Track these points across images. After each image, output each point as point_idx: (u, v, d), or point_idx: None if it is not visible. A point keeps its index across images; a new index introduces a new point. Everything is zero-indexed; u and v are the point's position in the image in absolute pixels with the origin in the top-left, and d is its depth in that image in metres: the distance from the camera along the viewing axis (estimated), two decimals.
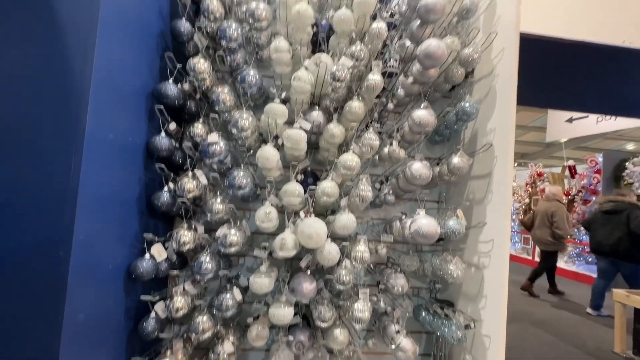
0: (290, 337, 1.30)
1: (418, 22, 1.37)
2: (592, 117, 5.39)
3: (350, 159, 1.27)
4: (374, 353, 1.61)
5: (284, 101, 1.42)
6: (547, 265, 5.51)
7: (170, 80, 1.36)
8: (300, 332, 1.35)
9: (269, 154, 1.24)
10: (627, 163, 6.20)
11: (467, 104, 1.36)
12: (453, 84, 1.55)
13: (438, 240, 1.57)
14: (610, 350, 3.40)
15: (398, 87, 1.47)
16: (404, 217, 1.45)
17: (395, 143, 1.39)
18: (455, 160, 1.37)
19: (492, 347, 1.26)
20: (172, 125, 1.40)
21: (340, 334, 1.31)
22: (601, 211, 4.28)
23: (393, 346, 1.32)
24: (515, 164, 13.68)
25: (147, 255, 1.26)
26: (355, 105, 1.31)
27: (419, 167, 1.31)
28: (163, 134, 1.35)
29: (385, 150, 1.45)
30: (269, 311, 1.25)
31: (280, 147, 1.33)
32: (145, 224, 1.36)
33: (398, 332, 1.35)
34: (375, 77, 1.29)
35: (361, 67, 1.34)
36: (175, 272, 1.41)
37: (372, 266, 1.69)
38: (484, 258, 1.37)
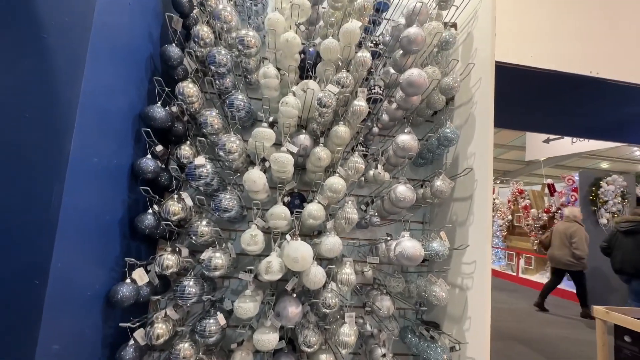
0: None
1: (401, 52, 1.44)
2: (567, 138, 5.67)
3: (336, 182, 1.29)
4: None
5: (272, 124, 1.44)
6: (580, 286, 5.53)
7: (159, 103, 1.37)
8: (285, 357, 1.32)
9: (255, 177, 1.25)
10: (601, 182, 6.48)
11: (448, 130, 1.43)
12: (435, 110, 1.63)
13: (423, 261, 1.60)
14: None
15: (382, 112, 1.52)
16: (389, 238, 1.47)
17: (380, 166, 1.43)
18: (438, 183, 1.41)
19: None
20: (159, 148, 1.40)
21: (325, 358, 1.29)
22: (620, 231, 4.32)
23: None
24: (498, 182, 14.12)
25: (127, 280, 1.22)
26: (341, 130, 1.35)
27: (403, 190, 1.34)
28: (149, 155, 1.35)
29: (371, 173, 1.48)
30: (253, 336, 1.22)
31: (267, 170, 1.35)
32: (127, 247, 1.33)
33: (384, 355, 1.34)
34: (360, 103, 1.34)
35: (347, 93, 1.39)
36: (156, 297, 1.37)
37: (358, 287, 1.69)
38: (467, 279, 1.39)
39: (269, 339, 1.21)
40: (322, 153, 1.34)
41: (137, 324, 1.27)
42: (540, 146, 6.36)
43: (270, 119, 1.36)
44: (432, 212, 1.77)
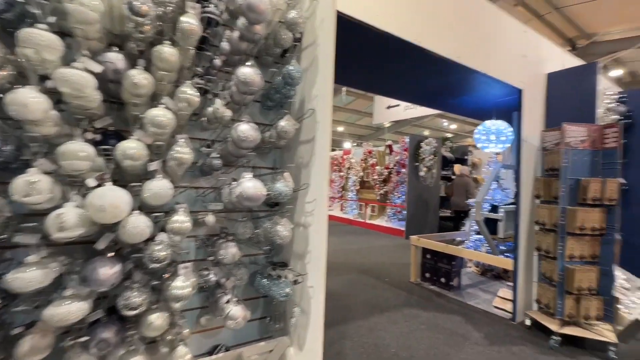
0: (86, 338, 1.04)
1: None
2: (402, 106, 6.90)
3: (160, 114, 1.07)
4: (208, 330, 1.52)
5: (63, 33, 1.04)
6: (461, 219, 7.03)
7: None
8: (102, 328, 1.10)
9: (26, 99, 0.88)
10: (422, 143, 8.28)
11: (292, 67, 1.38)
12: (283, 48, 1.55)
13: (274, 205, 1.59)
14: (408, 281, 4.57)
15: (224, 40, 1.33)
16: (233, 182, 1.37)
17: (219, 102, 1.28)
18: (282, 123, 1.38)
19: (316, 296, 1.39)
20: None
21: (156, 318, 1.14)
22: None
23: (222, 316, 1.27)
24: (355, 144, 16.23)
25: None
26: (166, 51, 1.10)
27: (246, 129, 1.25)
28: None
29: (210, 109, 1.31)
30: (43, 312, 0.94)
31: (58, 96, 0.98)
32: None
33: (228, 301, 1.30)
34: (190, 21, 1.11)
35: (172, 6, 1.12)
36: None
37: (206, 238, 1.56)
38: (309, 217, 1.48)
39: (69, 310, 0.95)
40: (139, 77, 1.07)
41: None
42: (384, 112, 7.52)
43: (52, 19, 0.96)
44: (281, 157, 1.77)
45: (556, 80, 3.50)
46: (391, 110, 7.34)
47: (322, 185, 1.38)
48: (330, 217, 11.29)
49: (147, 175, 1.14)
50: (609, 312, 2.81)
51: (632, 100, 3.87)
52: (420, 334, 2.97)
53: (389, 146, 9.37)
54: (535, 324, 3.12)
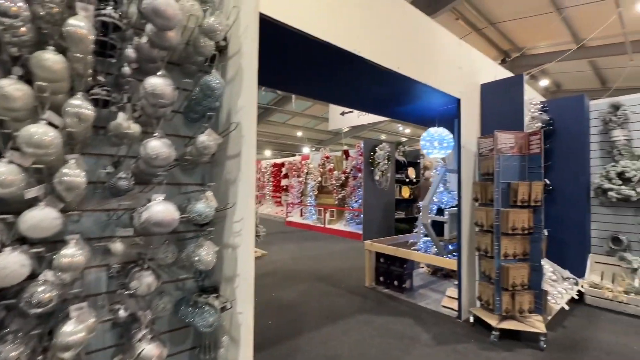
0: None
1: None
2: (355, 113, 7.04)
3: (40, 132, 0.91)
4: None
5: None
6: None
7: None
8: None
9: None
10: (376, 148, 8.50)
11: (210, 78, 1.28)
12: (205, 56, 1.44)
13: (203, 225, 1.47)
14: (363, 286, 4.60)
15: (129, 47, 1.19)
16: (148, 204, 1.23)
17: (122, 115, 1.13)
18: (203, 138, 1.27)
19: (245, 322, 1.29)
20: None
21: None
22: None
23: (133, 358, 1.12)
24: (313, 149, 16.31)
25: None
26: (49, 58, 0.94)
27: (157, 146, 1.12)
28: None
29: (113, 124, 1.16)
30: None
31: None
32: None
33: (141, 339, 1.15)
34: (77, 24, 0.96)
35: (55, 7, 0.97)
36: None
37: (120, 267, 1.39)
38: (237, 237, 1.38)
39: None
40: (10, 88, 0.90)
41: None
42: (339, 118, 7.62)
43: None
44: (210, 173, 1.65)
45: (489, 91, 3.77)
46: (345, 116, 7.46)
47: (249, 204, 1.29)
48: (290, 224, 11.15)
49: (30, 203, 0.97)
50: (539, 305, 3.04)
51: (553, 109, 4.30)
52: (372, 340, 2.98)
53: (345, 151, 9.51)
54: (478, 321, 3.29)
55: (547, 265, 4.00)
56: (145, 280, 1.21)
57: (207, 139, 1.26)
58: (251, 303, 1.29)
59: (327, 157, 10.41)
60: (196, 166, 1.53)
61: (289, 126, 20.43)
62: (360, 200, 8.99)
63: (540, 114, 3.99)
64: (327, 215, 9.96)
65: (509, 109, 3.57)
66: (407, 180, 9.87)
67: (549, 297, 3.37)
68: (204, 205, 1.24)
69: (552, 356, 2.74)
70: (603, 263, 4.27)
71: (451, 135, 3.94)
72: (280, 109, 16.50)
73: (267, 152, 23.37)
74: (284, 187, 13.29)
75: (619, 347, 2.90)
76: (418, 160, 10.21)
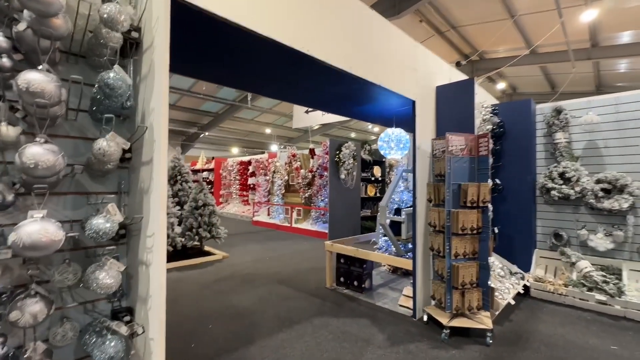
0: None
1: None
2: (319, 110, 6.95)
3: None
4: None
5: None
6: None
7: None
8: None
9: None
10: (342, 147, 8.50)
11: (110, 75, 1.12)
12: (113, 48, 1.27)
13: (119, 239, 1.30)
14: (324, 287, 4.55)
15: None
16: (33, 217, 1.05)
17: None
18: (100, 144, 1.11)
19: (156, 350, 1.16)
20: None
21: None
22: None
23: None
24: (282, 147, 16.09)
25: None
26: None
27: (36, 153, 0.95)
28: None
29: None
30: None
31: None
32: None
33: None
34: None
35: None
36: None
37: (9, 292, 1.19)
38: (150, 254, 1.23)
39: None
40: None
41: None
42: (303, 117, 7.51)
43: None
44: (128, 180, 1.48)
45: (443, 93, 3.84)
46: (310, 115, 7.37)
47: (160, 217, 1.15)
48: (257, 223, 10.91)
49: None
50: (487, 301, 3.15)
51: (503, 112, 4.49)
52: (326, 345, 2.92)
53: (312, 150, 9.43)
54: (431, 319, 3.35)
55: (497, 262, 4.18)
56: (29, 309, 1.03)
57: (105, 145, 1.10)
58: (162, 327, 1.16)
59: (294, 156, 10.27)
60: (107, 173, 1.35)
61: (257, 123, 19.99)
62: (326, 199, 8.96)
63: (491, 116, 4.14)
64: (294, 214, 9.85)
65: (462, 111, 3.65)
66: (373, 178, 10.00)
67: (496, 293, 3.51)
68: (103, 221, 1.08)
69: (497, 350, 2.84)
70: (547, 258, 4.54)
71: (408, 136, 3.97)
72: (245, 106, 16.09)
73: (235, 150, 22.75)
74: (251, 186, 12.97)
75: (556, 338, 3.08)
76: (383, 159, 10.37)
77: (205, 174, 16.00)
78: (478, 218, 3.11)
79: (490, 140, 3.13)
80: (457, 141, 3.20)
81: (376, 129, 21.89)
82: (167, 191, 6.49)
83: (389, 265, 5.27)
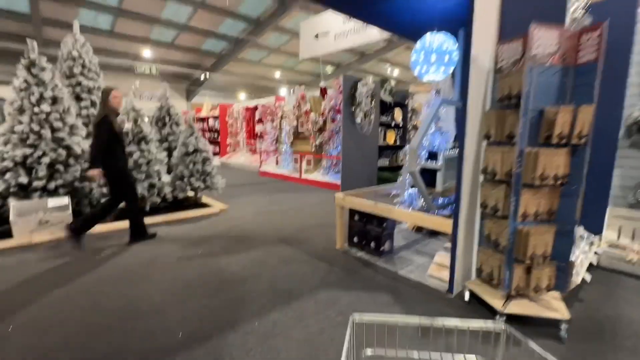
0: None
1: None
2: (332, 34, 5.59)
3: None
4: None
5: None
6: None
7: None
8: None
9: None
10: (358, 84, 7.18)
11: None
12: None
13: None
14: (333, 248, 3.75)
15: None
16: None
17: None
18: None
19: None
20: None
21: None
22: None
23: None
24: (292, 91, 14.65)
25: None
26: None
27: None
28: None
29: None
30: None
31: None
32: None
33: None
34: None
35: None
36: None
37: None
38: None
39: None
40: None
41: None
42: (312, 43, 6.16)
43: None
44: None
45: None
46: (320, 41, 6.01)
47: None
48: (265, 174, 10.12)
49: None
50: (563, 281, 2.22)
51: (597, 14, 3.10)
52: (332, 332, 2.14)
53: (323, 90, 8.15)
54: (475, 297, 2.49)
55: None
56: None
57: None
58: None
59: (303, 98, 9.03)
60: None
61: (264, 66, 18.28)
62: (339, 147, 7.92)
63: (584, 16, 2.80)
64: (304, 163, 8.93)
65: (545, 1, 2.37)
66: (393, 124, 8.75)
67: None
68: None
69: (578, 350, 1.98)
70: (624, 217, 3.49)
71: (455, 46, 2.76)
72: (252, 43, 14.37)
73: (242, 96, 21.36)
74: (259, 134, 11.98)
75: None
76: (406, 102, 8.99)
77: (211, 121, 15.02)
78: (566, 162, 2.05)
79: (602, 36, 1.92)
80: (545, 39, 2.00)
81: (396, 71, 19.75)
82: (155, 135, 5.60)
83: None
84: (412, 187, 3.31)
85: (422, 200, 3.13)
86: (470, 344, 1.83)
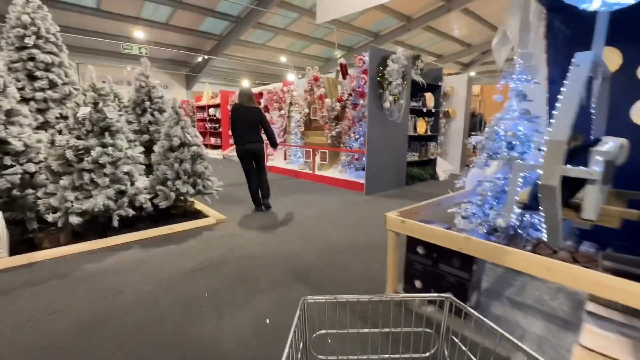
0: None
1: None
2: None
3: None
4: None
5: None
6: None
7: None
8: None
9: None
10: (388, 60, 5.77)
11: None
12: None
13: None
14: (379, 292, 2.47)
15: None
16: None
17: None
18: None
19: None
20: None
21: None
22: None
23: None
24: (300, 76, 13.19)
25: None
26: None
27: None
28: None
29: None
30: None
31: None
32: None
33: None
34: None
35: None
36: None
37: None
38: None
39: None
40: None
41: None
42: (331, 4, 4.77)
43: None
44: None
45: None
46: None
47: None
48: (271, 169, 8.80)
49: None
50: None
51: None
52: None
53: (343, 66, 6.74)
54: None
55: None
56: None
57: None
58: None
59: (316, 80, 7.64)
60: None
61: (270, 49, 16.77)
62: (361, 138, 6.57)
63: None
64: (317, 158, 7.60)
65: None
66: (425, 110, 7.35)
67: None
68: None
69: None
70: None
71: None
72: (256, 22, 12.87)
73: (245, 83, 19.92)
74: None
75: None
76: (439, 83, 7.56)
77: (212, 110, 13.70)
78: None
79: None
80: None
81: (425, 44, 17.64)
82: (127, 125, 4.31)
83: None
84: (525, 207, 1.97)
85: (548, 231, 1.78)
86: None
